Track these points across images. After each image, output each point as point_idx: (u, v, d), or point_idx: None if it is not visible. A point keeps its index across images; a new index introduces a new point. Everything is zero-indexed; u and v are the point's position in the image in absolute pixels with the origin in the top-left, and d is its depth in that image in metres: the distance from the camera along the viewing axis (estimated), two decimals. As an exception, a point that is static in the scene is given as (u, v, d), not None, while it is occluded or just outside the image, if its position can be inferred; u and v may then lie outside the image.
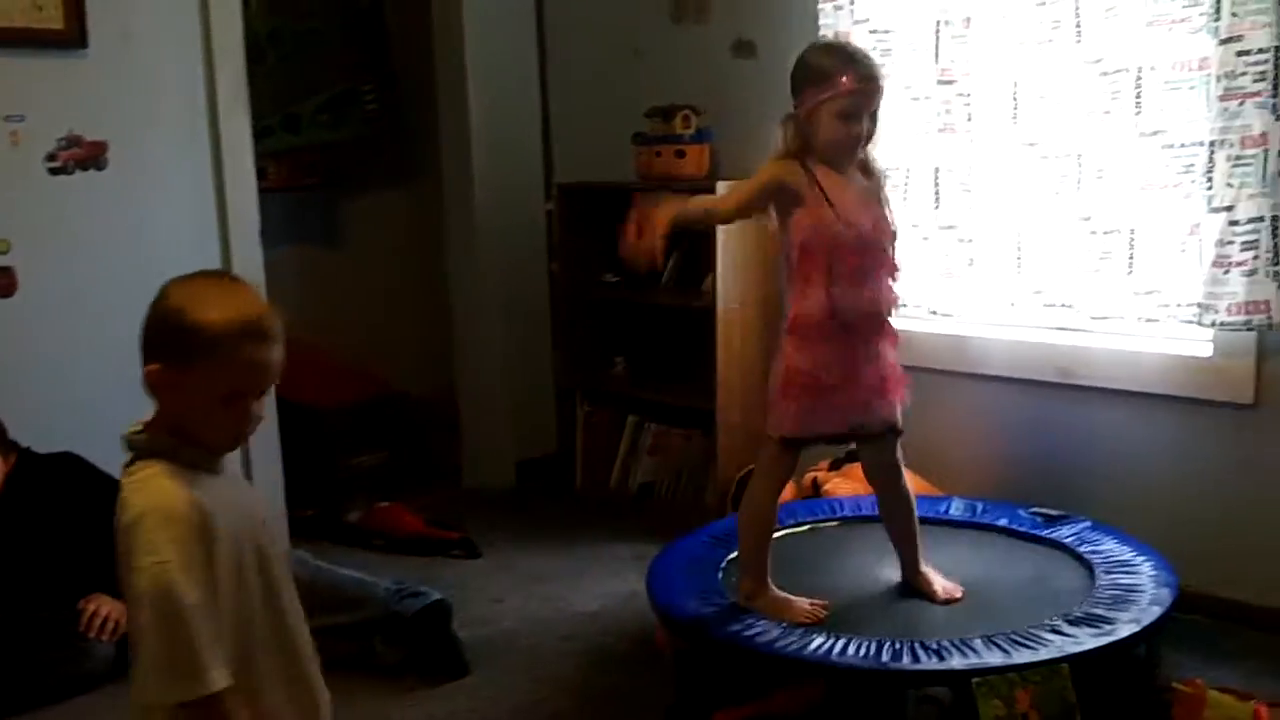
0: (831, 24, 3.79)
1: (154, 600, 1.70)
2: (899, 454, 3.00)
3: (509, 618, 3.51)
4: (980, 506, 3.49)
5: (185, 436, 1.83)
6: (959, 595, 2.99)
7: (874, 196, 2.90)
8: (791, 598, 2.92)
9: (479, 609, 3.54)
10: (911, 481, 3.61)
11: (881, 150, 2.96)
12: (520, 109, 4.80)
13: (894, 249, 2.92)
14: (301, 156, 4.94)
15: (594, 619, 3.48)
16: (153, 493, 1.77)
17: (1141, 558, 3.09)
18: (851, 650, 2.63)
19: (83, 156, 3.57)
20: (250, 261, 3.85)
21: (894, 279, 2.92)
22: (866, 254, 2.84)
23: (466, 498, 4.70)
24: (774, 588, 2.94)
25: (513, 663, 3.24)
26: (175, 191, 3.78)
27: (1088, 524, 3.31)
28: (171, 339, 1.81)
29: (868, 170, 2.91)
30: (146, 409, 1.82)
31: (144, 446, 1.83)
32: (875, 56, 3.63)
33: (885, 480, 3.05)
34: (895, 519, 3.07)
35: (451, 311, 4.87)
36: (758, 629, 2.76)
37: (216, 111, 3.82)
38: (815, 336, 2.86)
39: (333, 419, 4.63)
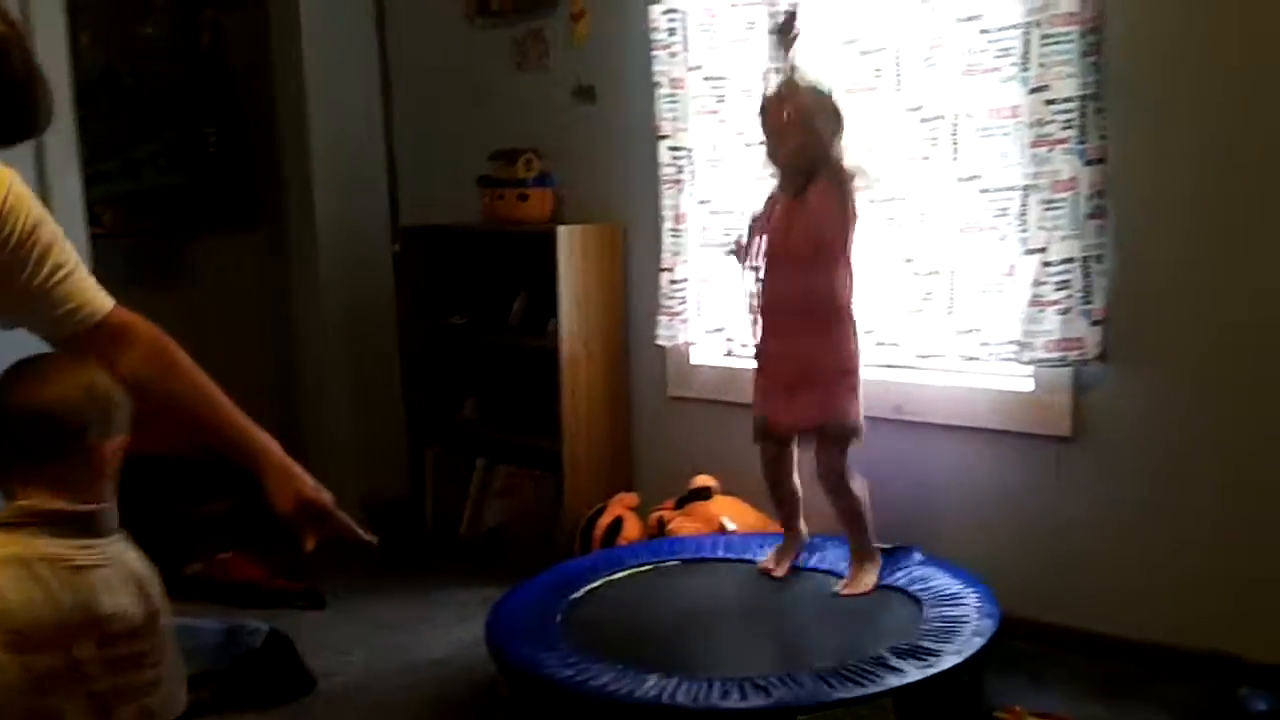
0: (666, 70, 3.86)
1: None
2: (836, 457, 3.26)
3: (355, 669, 3.49)
4: (815, 541, 3.56)
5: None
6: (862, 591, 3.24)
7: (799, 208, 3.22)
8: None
9: (325, 661, 3.50)
10: (751, 517, 3.72)
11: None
12: (365, 151, 4.80)
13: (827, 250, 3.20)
14: (141, 201, 4.87)
15: (440, 667, 3.47)
16: None
17: (968, 589, 3.18)
18: (682, 692, 2.67)
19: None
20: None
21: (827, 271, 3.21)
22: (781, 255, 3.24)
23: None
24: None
25: (359, 716, 3.23)
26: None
27: (918, 556, 3.41)
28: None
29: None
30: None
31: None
32: (710, 103, 3.77)
33: (827, 485, 3.30)
34: (841, 521, 3.35)
35: (298, 355, 4.85)
36: (591, 673, 2.79)
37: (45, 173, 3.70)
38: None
39: (174, 467, 4.55)
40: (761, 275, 3.31)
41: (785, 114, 3.20)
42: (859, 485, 3.30)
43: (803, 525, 3.47)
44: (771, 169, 3.31)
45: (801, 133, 3.18)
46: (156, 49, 4.90)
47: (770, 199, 3.34)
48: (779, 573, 3.41)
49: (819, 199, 3.18)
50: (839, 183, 3.18)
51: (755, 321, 3.35)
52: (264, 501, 2.36)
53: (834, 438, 3.25)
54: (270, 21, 4.76)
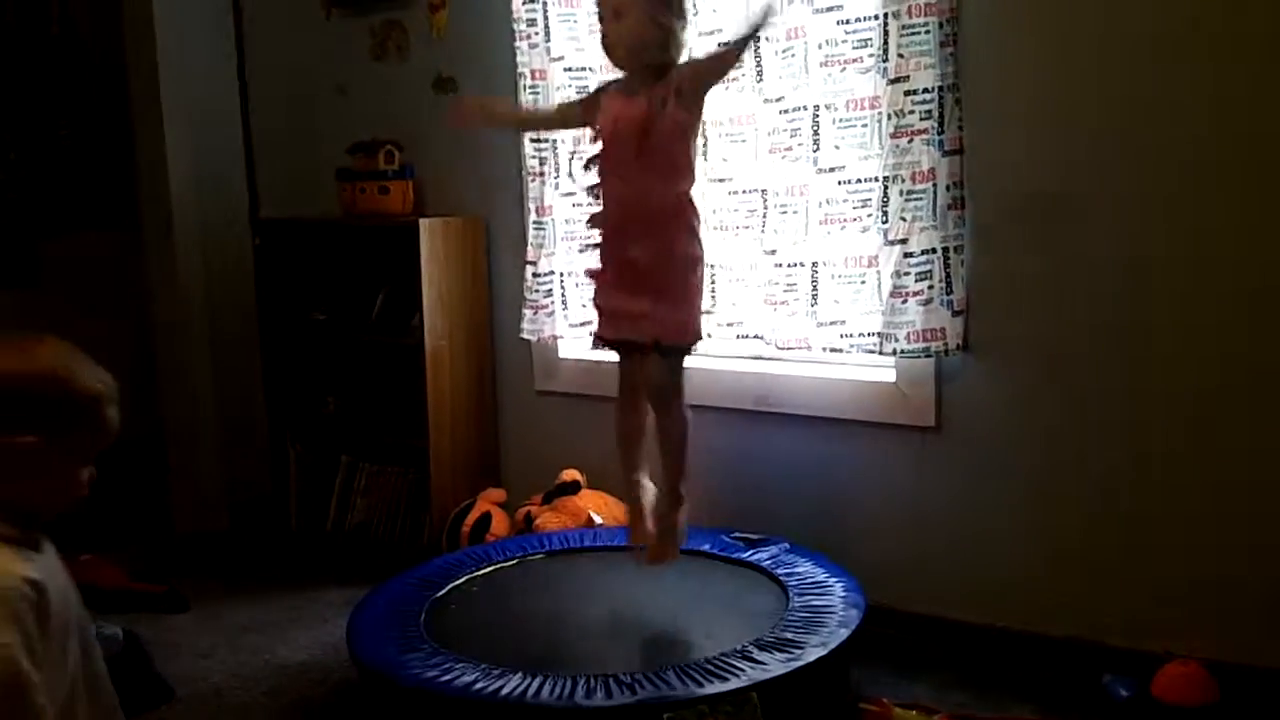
0: (527, 61, 3.82)
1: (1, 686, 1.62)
2: (672, 375, 3.06)
3: (216, 673, 3.40)
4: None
5: (11, 509, 1.76)
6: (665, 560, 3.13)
7: (640, 94, 2.95)
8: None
9: (185, 665, 3.42)
10: (619, 511, 3.69)
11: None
12: (222, 145, 4.68)
13: (671, 142, 2.95)
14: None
15: (302, 670, 3.40)
16: None
17: (834, 579, 3.19)
18: (546, 690, 2.64)
19: None
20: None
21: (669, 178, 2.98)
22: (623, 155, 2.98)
23: (177, 544, 4.56)
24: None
25: (217, 720, 3.17)
26: None
27: (786, 546, 3.41)
28: (53, 408, 1.79)
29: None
30: None
31: None
32: (571, 94, 3.73)
33: (654, 403, 3.11)
34: (661, 446, 3.14)
35: (159, 353, 4.73)
36: (454, 673, 2.74)
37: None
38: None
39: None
40: (601, 180, 3.08)
41: (615, 2, 2.95)
42: (688, 413, 3.11)
43: (647, 482, 3.22)
44: (609, 60, 3.06)
45: (635, 23, 2.93)
46: (3, 40, 4.75)
47: (602, 91, 3.12)
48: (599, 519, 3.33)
49: (668, 107, 2.92)
50: (685, 82, 2.94)
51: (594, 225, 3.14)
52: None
53: (671, 350, 3.03)
54: (123, 13, 4.63)
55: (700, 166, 3.19)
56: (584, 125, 3.18)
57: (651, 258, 2.97)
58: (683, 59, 3.00)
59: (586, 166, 3.18)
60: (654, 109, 2.91)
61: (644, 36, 2.93)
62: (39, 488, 1.81)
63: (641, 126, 2.93)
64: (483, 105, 3.66)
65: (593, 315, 3.20)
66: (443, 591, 3.33)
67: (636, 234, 2.99)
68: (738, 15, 3.39)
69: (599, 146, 3.06)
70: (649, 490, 3.21)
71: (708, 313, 3.34)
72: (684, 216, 3.01)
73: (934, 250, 3.17)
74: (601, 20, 3.01)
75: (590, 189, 3.17)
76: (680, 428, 3.11)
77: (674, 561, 3.16)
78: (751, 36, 2.95)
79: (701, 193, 3.27)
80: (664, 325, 2.99)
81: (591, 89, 3.26)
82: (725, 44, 3.12)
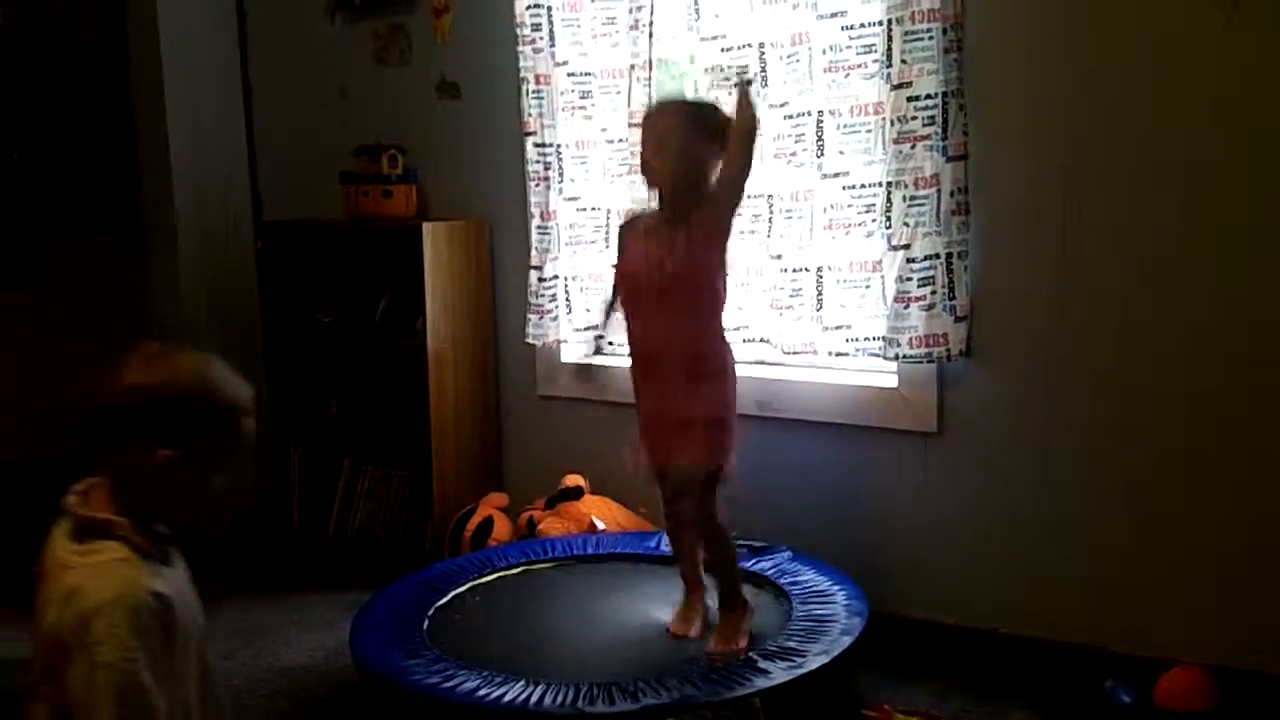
0: (531, 66, 3.82)
1: (121, 699, 1.62)
2: (700, 500, 2.98)
3: (218, 675, 3.41)
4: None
5: (145, 522, 1.76)
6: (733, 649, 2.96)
7: (671, 237, 2.93)
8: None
9: (186, 668, 3.43)
10: (621, 516, 3.69)
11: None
12: (226, 148, 4.69)
13: (701, 287, 2.96)
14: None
15: (304, 673, 3.41)
16: (119, 581, 1.68)
17: (836, 586, 3.19)
18: (549, 698, 2.64)
19: None
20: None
21: (699, 317, 2.98)
22: (651, 295, 2.96)
23: (178, 546, 4.55)
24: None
25: (217, 724, 3.15)
26: None
27: (788, 554, 3.41)
28: (195, 420, 1.77)
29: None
30: None
31: (101, 526, 1.73)
32: (574, 99, 3.73)
33: (683, 526, 3.10)
34: (707, 564, 3.13)
35: (160, 356, 4.73)
36: (456, 680, 2.75)
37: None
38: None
39: (29, 472, 4.42)
40: (626, 315, 3.08)
41: (667, 124, 2.94)
42: (727, 531, 3.08)
43: (706, 579, 3.19)
44: (648, 190, 3.04)
45: (678, 155, 2.91)
46: (6, 40, 4.74)
47: (636, 222, 3.11)
48: (693, 634, 3.10)
49: (698, 237, 2.92)
50: (717, 218, 2.94)
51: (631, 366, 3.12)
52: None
53: (705, 482, 2.97)
54: (126, 15, 4.63)
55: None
56: None
57: (674, 405, 2.97)
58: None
59: (610, 310, 3.25)
60: (675, 251, 2.91)
61: (686, 168, 2.92)
62: (174, 501, 1.80)
63: (661, 268, 2.92)
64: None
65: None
66: (445, 598, 3.33)
67: (661, 378, 2.99)
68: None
69: (622, 288, 3.09)
70: (698, 584, 3.17)
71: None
72: (710, 362, 3.00)
73: (937, 256, 3.17)
74: (644, 147, 2.97)
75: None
76: (724, 549, 3.07)
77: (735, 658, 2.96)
78: (748, 137, 2.89)
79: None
80: (678, 459, 2.97)
81: (621, 223, 3.24)
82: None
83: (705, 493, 2.97)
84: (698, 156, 2.91)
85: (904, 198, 3.18)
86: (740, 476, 3.31)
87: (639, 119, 3.11)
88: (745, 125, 2.88)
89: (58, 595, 1.70)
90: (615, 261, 3.20)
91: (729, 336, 3.08)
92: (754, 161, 2.94)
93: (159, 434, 1.76)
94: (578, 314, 3.91)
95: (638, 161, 3.03)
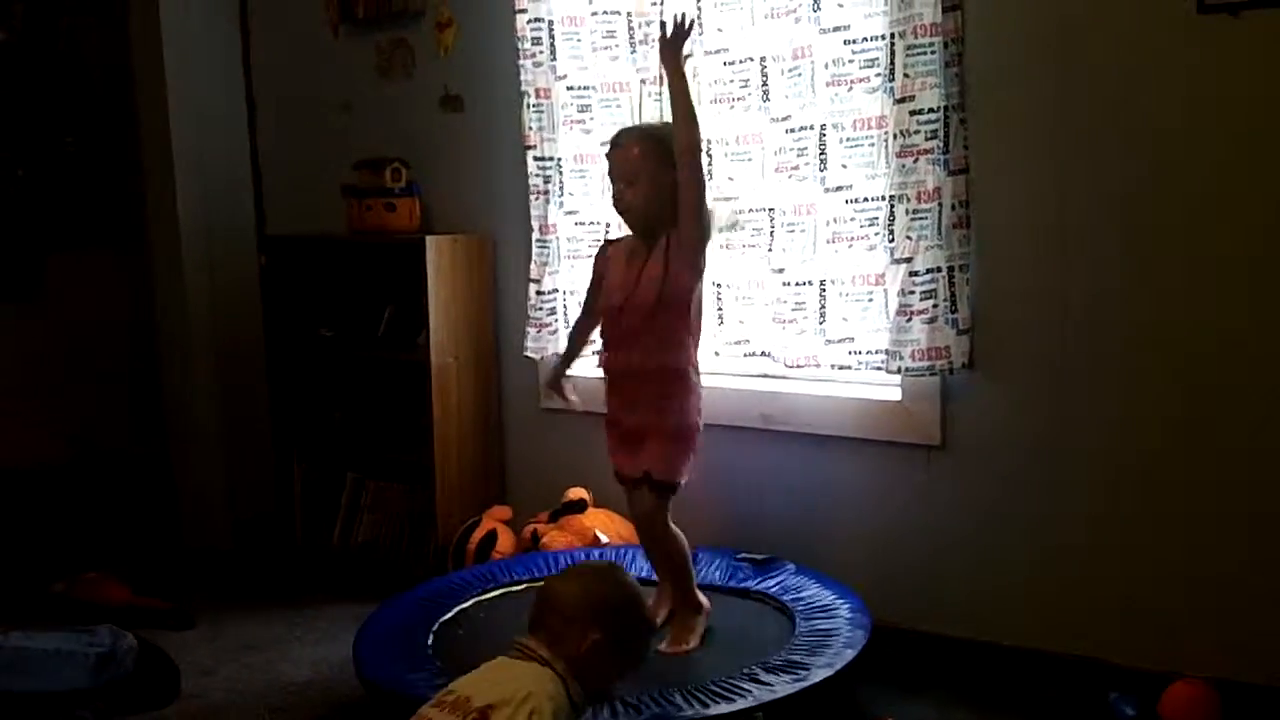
0: (532, 80, 3.83)
1: None
2: (654, 506, 3.12)
3: (219, 690, 3.41)
4: (695, 554, 3.55)
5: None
6: (683, 649, 3.11)
7: (644, 262, 3.09)
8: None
9: (189, 682, 3.41)
10: (625, 529, 3.68)
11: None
12: (230, 162, 4.71)
13: (673, 310, 3.08)
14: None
15: (306, 688, 3.40)
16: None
17: (840, 600, 3.19)
18: (552, 712, 2.64)
19: None
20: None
21: (673, 337, 3.10)
22: (624, 320, 3.12)
23: (183, 560, 4.57)
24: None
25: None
26: None
27: (791, 568, 3.42)
28: (628, 620, 2.44)
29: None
30: None
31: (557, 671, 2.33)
32: (574, 112, 3.74)
33: (640, 530, 3.23)
34: (659, 570, 3.27)
35: (164, 368, 4.74)
36: (461, 695, 2.74)
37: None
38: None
39: (34, 481, 4.44)
40: (602, 334, 3.26)
41: (631, 158, 3.09)
42: (678, 535, 3.18)
43: None
44: (624, 221, 3.22)
45: (648, 187, 3.07)
46: (9, 54, 4.76)
47: (613, 246, 3.29)
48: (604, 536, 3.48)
49: (670, 259, 3.06)
50: (690, 243, 3.05)
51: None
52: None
53: (657, 486, 3.11)
54: (129, 30, 4.64)
55: (707, 184, 3.22)
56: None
57: (643, 425, 3.13)
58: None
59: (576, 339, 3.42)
60: (653, 274, 3.07)
61: (658, 199, 3.05)
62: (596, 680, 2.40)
63: (638, 297, 3.08)
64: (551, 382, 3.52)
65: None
66: (449, 612, 3.34)
67: (631, 394, 3.15)
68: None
69: (601, 310, 3.24)
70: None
71: (717, 326, 3.35)
72: (679, 383, 3.12)
73: (939, 269, 3.17)
74: (616, 183, 3.13)
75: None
76: (677, 559, 3.19)
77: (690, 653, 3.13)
78: (691, 153, 3.02)
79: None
80: (649, 465, 3.11)
81: (599, 249, 3.38)
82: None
83: (660, 500, 3.12)
84: (665, 182, 3.04)
85: (906, 211, 3.18)
86: (743, 489, 3.34)
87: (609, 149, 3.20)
88: (684, 140, 3.00)
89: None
90: (590, 286, 3.34)
91: (700, 356, 3.20)
92: (703, 177, 3.11)
93: (593, 625, 2.37)
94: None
95: (612, 198, 3.16)
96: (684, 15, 3.06)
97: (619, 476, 3.23)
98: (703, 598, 3.21)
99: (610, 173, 3.15)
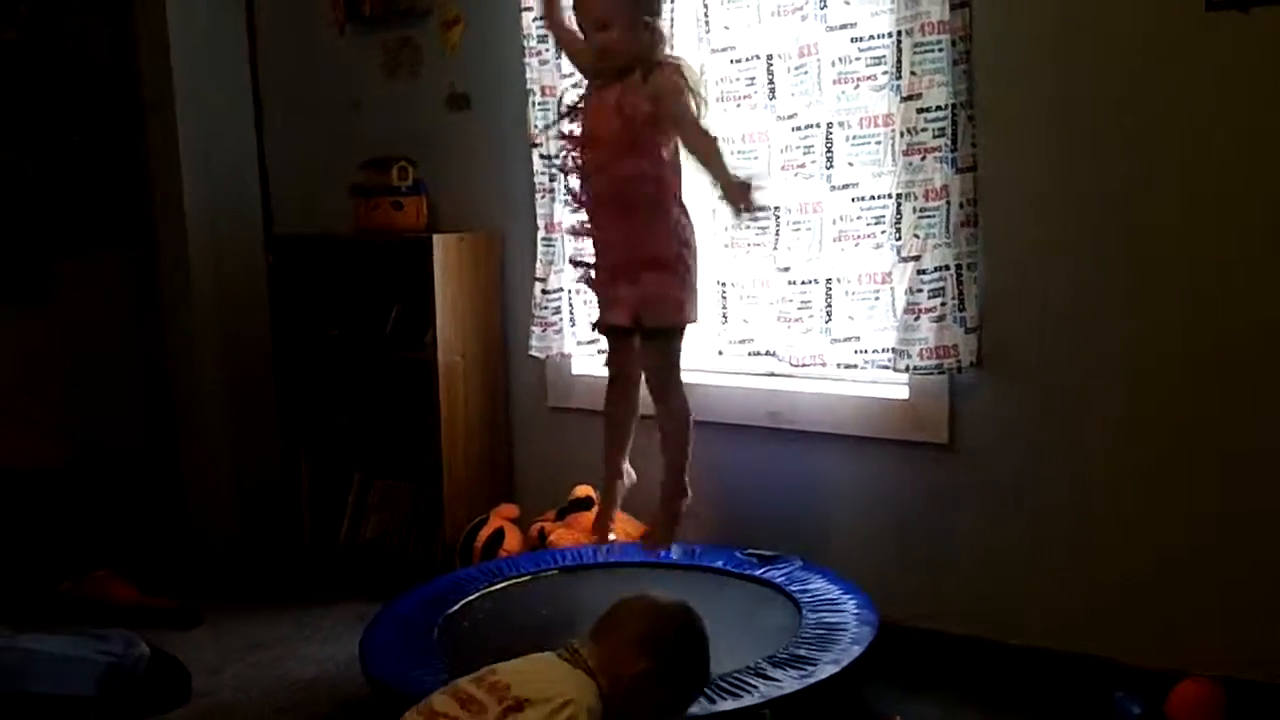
0: (537, 78, 3.84)
1: None
2: (662, 358, 3.12)
3: (225, 689, 3.41)
4: (697, 550, 3.56)
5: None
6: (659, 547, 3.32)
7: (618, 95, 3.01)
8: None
9: (196, 681, 3.40)
10: (632, 527, 3.68)
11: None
12: (237, 162, 4.70)
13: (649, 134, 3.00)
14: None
15: (313, 686, 3.41)
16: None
17: (847, 596, 3.19)
18: (558, 708, 2.64)
19: None
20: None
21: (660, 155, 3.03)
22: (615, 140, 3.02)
23: (190, 559, 4.57)
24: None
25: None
26: None
27: (798, 564, 3.41)
28: (685, 662, 2.47)
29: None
30: None
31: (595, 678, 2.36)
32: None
33: (652, 392, 3.18)
34: (662, 441, 3.22)
35: (171, 368, 4.75)
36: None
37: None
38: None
39: (39, 481, 4.43)
40: (580, 166, 3.16)
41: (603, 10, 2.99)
42: (687, 404, 3.16)
43: (628, 466, 3.34)
44: (583, 69, 3.20)
45: (627, 27, 2.97)
46: (16, 54, 4.76)
47: (578, 101, 3.21)
48: (612, 535, 3.39)
49: (653, 82, 2.97)
50: (669, 72, 2.98)
51: (579, 213, 3.23)
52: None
53: (658, 332, 3.08)
54: (136, 30, 4.65)
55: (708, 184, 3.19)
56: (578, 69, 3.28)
57: (630, 239, 3.05)
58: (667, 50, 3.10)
59: (567, 171, 3.27)
60: (627, 96, 2.98)
61: (631, 43, 2.98)
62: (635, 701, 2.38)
63: (616, 113, 2.99)
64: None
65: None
66: (456, 608, 3.34)
67: (616, 217, 3.07)
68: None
69: (580, 149, 3.15)
70: (627, 476, 3.32)
71: (722, 325, 3.33)
72: (664, 199, 3.05)
73: (947, 267, 3.17)
74: (584, 32, 3.06)
75: (572, 191, 3.24)
76: (679, 419, 3.16)
77: (667, 548, 3.26)
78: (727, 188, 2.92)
79: (713, 209, 3.31)
80: (645, 304, 3.05)
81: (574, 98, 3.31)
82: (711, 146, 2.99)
83: (674, 340, 3.10)
84: (642, 27, 2.99)
85: (914, 209, 3.18)
86: (751, 486, 3.34)
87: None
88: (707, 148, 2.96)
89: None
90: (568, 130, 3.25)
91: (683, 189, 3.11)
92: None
93: (650, 655, 2.40)
94: (581, 327, 3.92)
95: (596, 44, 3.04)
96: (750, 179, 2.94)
97: (613, 333, 3.20)
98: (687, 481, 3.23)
99: (578, 19, 3.07)
